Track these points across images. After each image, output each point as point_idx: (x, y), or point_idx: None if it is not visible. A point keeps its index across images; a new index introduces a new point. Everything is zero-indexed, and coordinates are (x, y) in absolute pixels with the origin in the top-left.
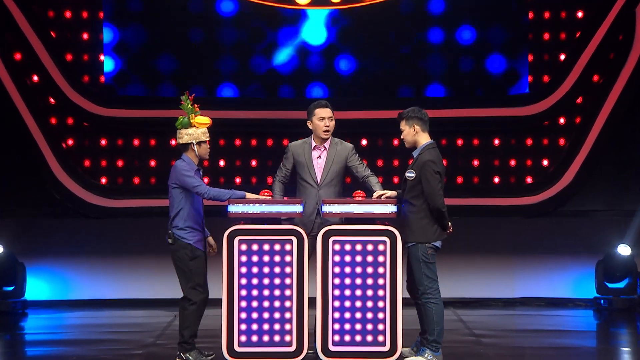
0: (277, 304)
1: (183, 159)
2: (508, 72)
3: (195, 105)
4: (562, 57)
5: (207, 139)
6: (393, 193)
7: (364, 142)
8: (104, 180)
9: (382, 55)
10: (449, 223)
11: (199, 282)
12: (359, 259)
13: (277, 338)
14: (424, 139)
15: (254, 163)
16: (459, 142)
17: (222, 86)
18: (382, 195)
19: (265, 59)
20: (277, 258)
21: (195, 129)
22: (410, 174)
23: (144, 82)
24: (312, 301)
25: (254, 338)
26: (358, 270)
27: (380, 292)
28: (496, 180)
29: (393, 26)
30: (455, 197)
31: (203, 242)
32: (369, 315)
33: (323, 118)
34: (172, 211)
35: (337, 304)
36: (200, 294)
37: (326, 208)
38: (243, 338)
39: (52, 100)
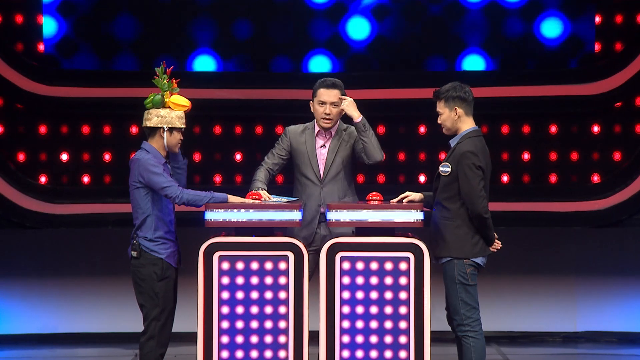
0: (268, 339)
1: (146, 149)
2: (568, 38)
3: (174, 80)
4: None
5: (182, 127)
6: (417, 196)
7: (381, 129)
8: (44, 179)
9: (404, 17)
10: (496, 235)
11: (165, 309)
12: (374, 281)
13: None
14: (467, 124)
15: (238, 157)
16: (504, 129)
17: (198, 57)
18: (404, 198)
19: (252, 22)
20: (268, 280)
21: (169, 111)
22: (445, 168)
23: (95, 51)
24: (314, 335)
25: None
26: (373, 295)
27: (402, 324)
28: (553, 179)
29: None
30: (499, 201)
31: (177, 256)
32: (388, 354)
33: (324, 103)
34: (136, 218)
35: (346, 339)
36: (166, 324)
37: (332, 215)
38: None
39: None
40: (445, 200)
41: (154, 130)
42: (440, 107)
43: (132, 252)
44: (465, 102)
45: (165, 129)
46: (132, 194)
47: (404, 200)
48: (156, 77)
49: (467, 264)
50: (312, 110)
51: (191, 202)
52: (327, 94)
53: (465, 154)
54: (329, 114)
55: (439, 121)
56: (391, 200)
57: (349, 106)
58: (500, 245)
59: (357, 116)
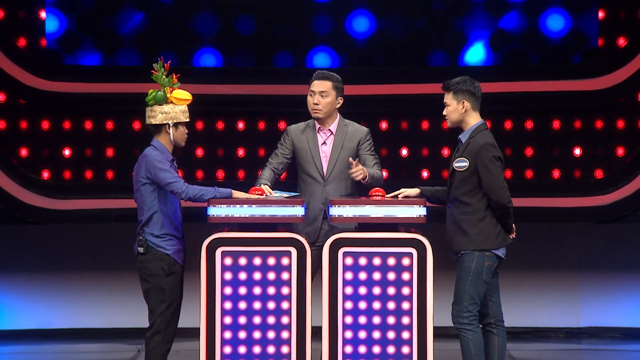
0: (271, 335)
1: (155, 145)
2: (571, 33)
3: (173, 75)
4: None
5: (187, 120)
6: (413, 191)
7: (383, 125)
8: (46, 175)
9: (407, 11)
10: (513, 226)
11: (172, 305)
12: (377, 276)
13: None
14: (473, 119)
15: (241, 152)
16: (507, 124)
17: (201, 52)
18: (399, 194)
19: (255, 18)
20: (271, 275)
21: (173, 107)
22: (462, 164)
23: (98, 46)
24: (317, 331)
25: None
26: (376, 291)
27: (405, 320)
28: (556, 174)
29: None
30: None
31: (182, 254)
32: (391, 349)
33: (313, 93)
34: (142, 215)
35: (349, 335)
36: (172, 320)
37: (334, 211)
38: None
39: None
40: (464, 195)
41: (159, 127)
42: (449, 99)
43: (139, 249)
44: (473, 97)
45: (171, 125)
46: (139, 190)
47: (399, 197)
48: (154, 72)
49: (488, 257)
50: None
51: (197, 198)
52: (316, 85)
53: (484, 146)
54: (317, 104)
55: (444, 113)
56: (386, 196)
57: (364, 173)
58: (515, 235)
59: (365, 177)
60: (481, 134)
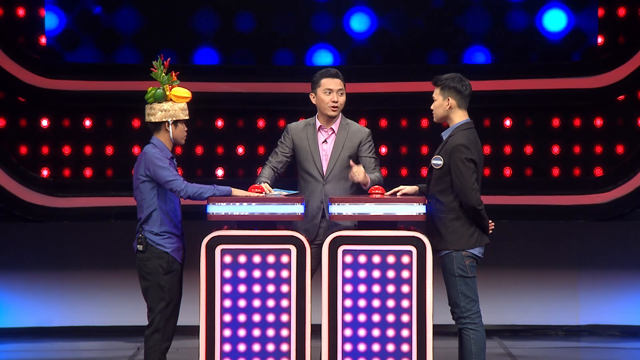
0: (270, 332)
1: (154, 143)
2: (571, 31)
3: (173, 73)
4: None
5: (186, 118)
6: (412, 188)
7: (383, 122)
8: (45, 173)
9: (407, 10)
10: (490, 222)
11: (171, 303)
12: (377, 274)
13: None
14: (459, 117)
15: (240, 150)
16: (507, 122)
17: (200, 50)
18: (397, 192)
19: (255, 15)
20: (271, 273)
21: (172, 104)
22: (438, 162)
23: (97, 44)
24: (317, 329)
25: None
26: (376, 289)
27: (405, 318)
28: (555, 172)
29: None
30: (501, 195)
31: (182, 252)
32: (390, 347)
33: (331, 91)
34: (141, 212)
35: (348, 333)
36: (171, 318)
37: (334, 209)
38: None
39: None
40: (439, 193)
41: (159, 125)
42: (436, 93)
43: (138, 246)
44: (460, 95)
45: (170, 123)
46: (138, 188)
47: (397, 194)
48: (154, 70)
49: (466, 256)
50: (313, 102)
51: (196, 196)
52: (332, 83)
53: (457, 147)
54: (336, 102)
55: (431, 107)
56: (385, 194)
57: (365, 176)
58: (493, 227)
59: (366, 183)
60: (460, 134)
